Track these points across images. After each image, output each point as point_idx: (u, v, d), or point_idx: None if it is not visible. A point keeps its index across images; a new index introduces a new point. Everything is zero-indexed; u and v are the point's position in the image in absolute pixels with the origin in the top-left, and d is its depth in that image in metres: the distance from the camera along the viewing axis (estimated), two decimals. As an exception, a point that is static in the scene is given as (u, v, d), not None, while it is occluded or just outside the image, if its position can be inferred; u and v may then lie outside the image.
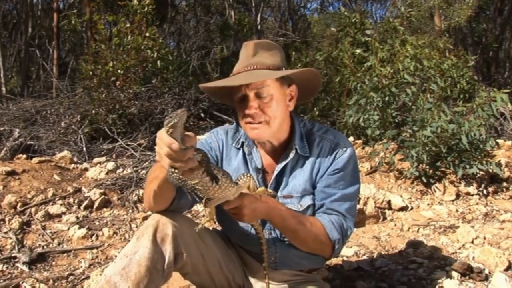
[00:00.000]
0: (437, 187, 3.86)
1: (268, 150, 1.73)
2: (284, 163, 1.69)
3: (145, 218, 3.33)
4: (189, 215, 3.18)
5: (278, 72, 1.60)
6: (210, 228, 1.94)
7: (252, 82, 1.56)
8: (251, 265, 1.83)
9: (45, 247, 2.89)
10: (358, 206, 3.28)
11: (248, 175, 1.52)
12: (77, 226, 3.11)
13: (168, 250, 1.52)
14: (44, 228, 3.12)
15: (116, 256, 2.28)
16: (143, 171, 4.25)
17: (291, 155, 1.68)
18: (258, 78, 1.56)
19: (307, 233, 1.61)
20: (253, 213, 1.53)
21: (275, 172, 1.69)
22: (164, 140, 1.24)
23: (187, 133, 1.27)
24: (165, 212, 1.58)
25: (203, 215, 1.46)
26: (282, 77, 1.62)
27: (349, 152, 1.68)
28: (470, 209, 3.57)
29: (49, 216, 3.28)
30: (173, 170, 1.30)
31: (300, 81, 1.69)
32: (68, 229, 3.10)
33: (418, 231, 3.18)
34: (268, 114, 1.59)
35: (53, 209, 3.34)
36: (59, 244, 2.95)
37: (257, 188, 1.60)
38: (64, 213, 3.33)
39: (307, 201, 1.69)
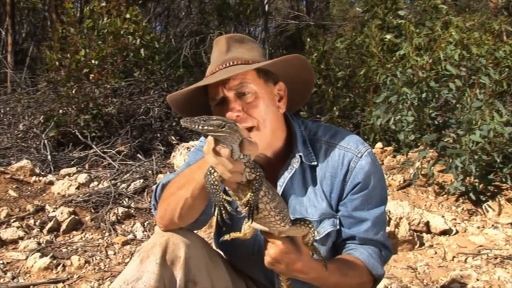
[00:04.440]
0: (489, 206, 3.83)
1: (262, 165, 1.68)
2: (288, 175, 1.66)
3: (125, 243, 3.32)
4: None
5: (259, 64, 1.59)
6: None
7: (229, 76, 1.54)
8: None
9: (-5, 282, 2.87)
10: (388, 229, 3.26)
11: (311, 225, 1.50)
12: (38, 254, 3.09)
13: (178, 277, 1.51)
14: (-6, 257, 3.10)
15: (111, 283, 2.25)
16: (123, 185, 4.23)
17: (295, 165, 1.65)
18: (235, 71, 1.55)
19: (349, 282, 1.62)
20: (289, 268, 1.49)
21: (281, 189, 1.66)
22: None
23: (250, 139, 1.29)
24: (175, 229, 1.57)
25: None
26: (266, 74, 1.62)
27: (366, 159, 1.65)
28: (535, 235, 3.53)
29: (1, 243, 3.26)
30: (213, 170, 1.31)
31: (287, 76, 1.68)
32: (26, 258, 3.07)
33: (465, 261, 3.15)
34: (255, 116, 1.58)
35: (7, 233, 3.32)
36: (13, 278, 2.92)
37: (312, 242, 1.55)
38: (21, 238, 3.31)
39: (327, 227, 1.67)
